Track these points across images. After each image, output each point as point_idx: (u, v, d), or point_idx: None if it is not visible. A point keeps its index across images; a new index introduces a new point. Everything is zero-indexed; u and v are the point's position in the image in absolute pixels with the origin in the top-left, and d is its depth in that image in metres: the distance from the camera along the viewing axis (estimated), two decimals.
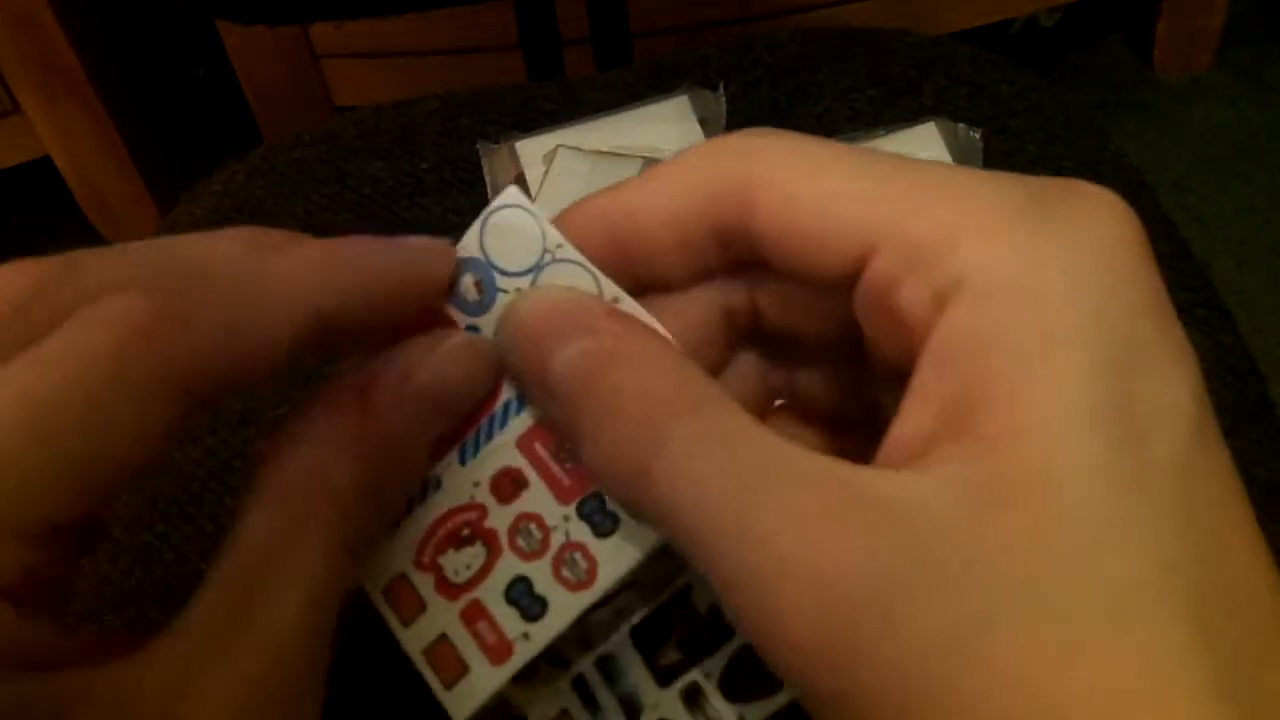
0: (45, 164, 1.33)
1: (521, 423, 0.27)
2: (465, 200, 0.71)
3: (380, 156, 0.74)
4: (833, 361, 0.27)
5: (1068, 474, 0.20)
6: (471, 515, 0.27)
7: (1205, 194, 1.41)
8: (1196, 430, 0.21)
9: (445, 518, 0.27)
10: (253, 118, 1.33)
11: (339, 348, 0.27)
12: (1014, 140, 0.71)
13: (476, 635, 0.26)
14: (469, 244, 0.29)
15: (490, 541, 0.26)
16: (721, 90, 0.73)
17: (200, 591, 0.24)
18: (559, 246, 0.27)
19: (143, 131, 1.40)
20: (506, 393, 0.27)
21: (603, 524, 0.25)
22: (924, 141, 0.66)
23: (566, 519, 0.26)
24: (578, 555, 0.26)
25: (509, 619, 0.26)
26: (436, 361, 0.26)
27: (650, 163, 0.65)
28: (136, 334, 0.21)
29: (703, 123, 0.70)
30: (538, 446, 0.26)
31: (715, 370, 0.28)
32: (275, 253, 0.24)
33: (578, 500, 0.26)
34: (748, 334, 0.28)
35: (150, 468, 0.22)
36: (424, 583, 0.27)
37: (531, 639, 0.26)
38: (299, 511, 0.24)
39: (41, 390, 0.20)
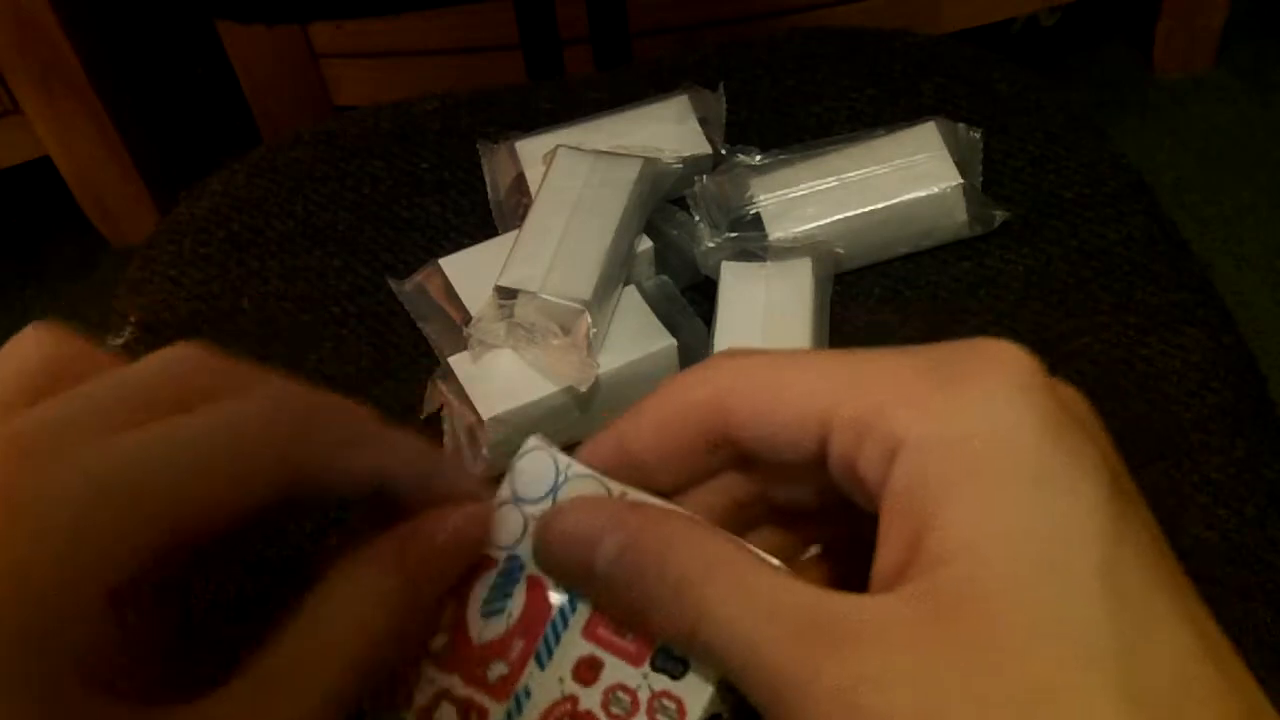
0: (45, 164, 1.33)
1: (580, 617, 0.31)
2: (465, 200, 0.71)
3: (380, 156, 0.74)
4: (827, 510, 0.31)
5: (994, 588, 0.24)
6: (567, 706, 0.31)
7: (1205, 194, 1.40)
8: (1112, 527, 0.25)
9: (545, 715, 0.31)
10: (252, 118, 1.33)
11: None
12: (1014, 140, 0.71)
13: None
14: (502, 493, 0.33)
15: None
16: (721, 90, 0.73)
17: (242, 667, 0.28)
18: (569, 466, 0.32)
19: (142, 131, 1.40)
20: (558, 597, 0.31)
21: (675, 669, 0.30)
22: (924, 141, 0.66)
23: (645, 676, 0.30)
24: (665, 700, 0.30)
25: None
26: (457, 522, 0.32)
27: (650, 162, 0.65)
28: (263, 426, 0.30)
29: (703, 122, 0.70)
30: (601, 630, 0.31)
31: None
32: None
33: (648, 659, 0.30)
34: (762, 514, 0.33)
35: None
36: None
37: None
38: (331, 639, 0.29)
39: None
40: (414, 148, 0.74)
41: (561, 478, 0.32)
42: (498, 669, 0.31)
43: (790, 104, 0.74)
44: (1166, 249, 0.66)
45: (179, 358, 0.30)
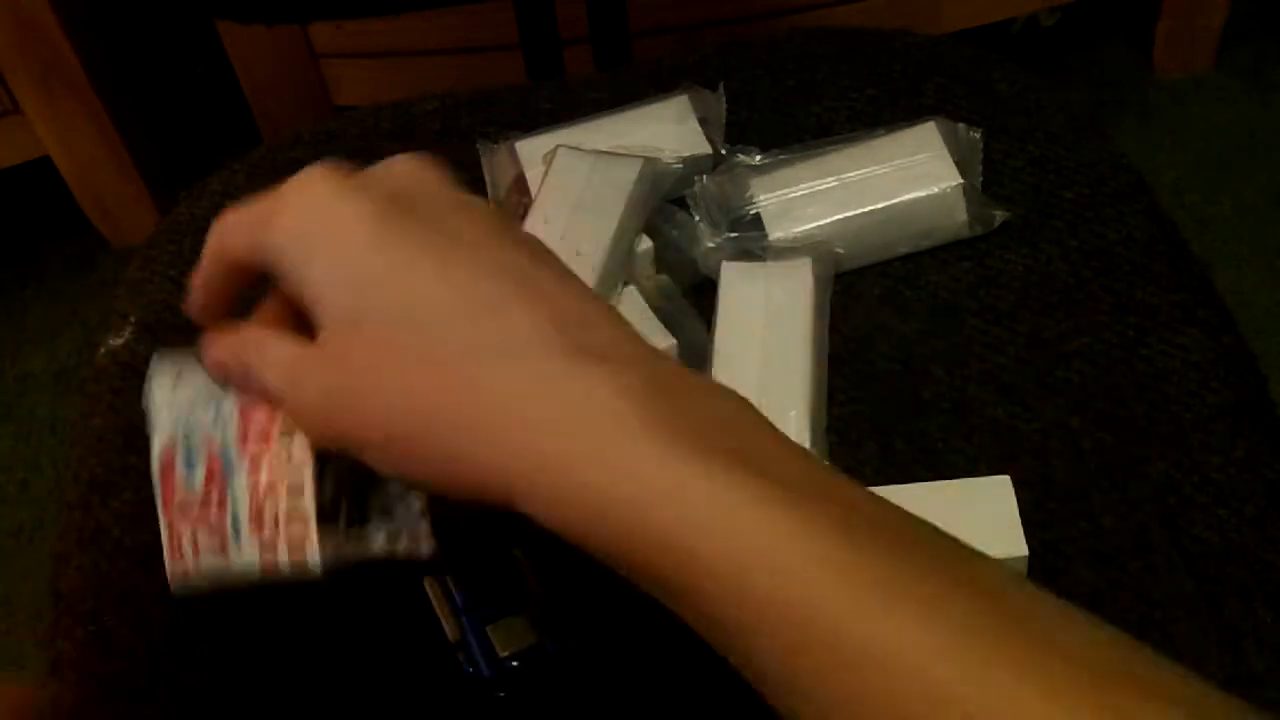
0: (45, 164, 1.33)
1: (232, 431, 0.42)
2: None
3: (380, 156, 0.74)
4: None
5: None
6: (258, 481, 0.43)
7: (1205, 194, 1.40)
8: (371, 223, 0.38)
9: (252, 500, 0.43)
10: (252, 118, 1.33)
11: None
12: (1014, 140, 0.71)
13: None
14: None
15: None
16: (721, 90, 0.73)
17: None
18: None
19: (142, 131, 1.40)
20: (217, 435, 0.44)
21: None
22: (924, 141, 0.66)
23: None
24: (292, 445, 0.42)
25: None
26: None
27: (650, 162, 0.65)
28: None
29: (703, 122, 0.70)
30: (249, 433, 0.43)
31: None
32: None
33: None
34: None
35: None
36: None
37: None
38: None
39: None
40: (414, 148, 0.74)
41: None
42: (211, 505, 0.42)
43: (790, 104, 0.74)
44: (1166, 249, 0.66)
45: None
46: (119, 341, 0.67)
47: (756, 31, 0.80)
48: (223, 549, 0.43)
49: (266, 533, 0.42)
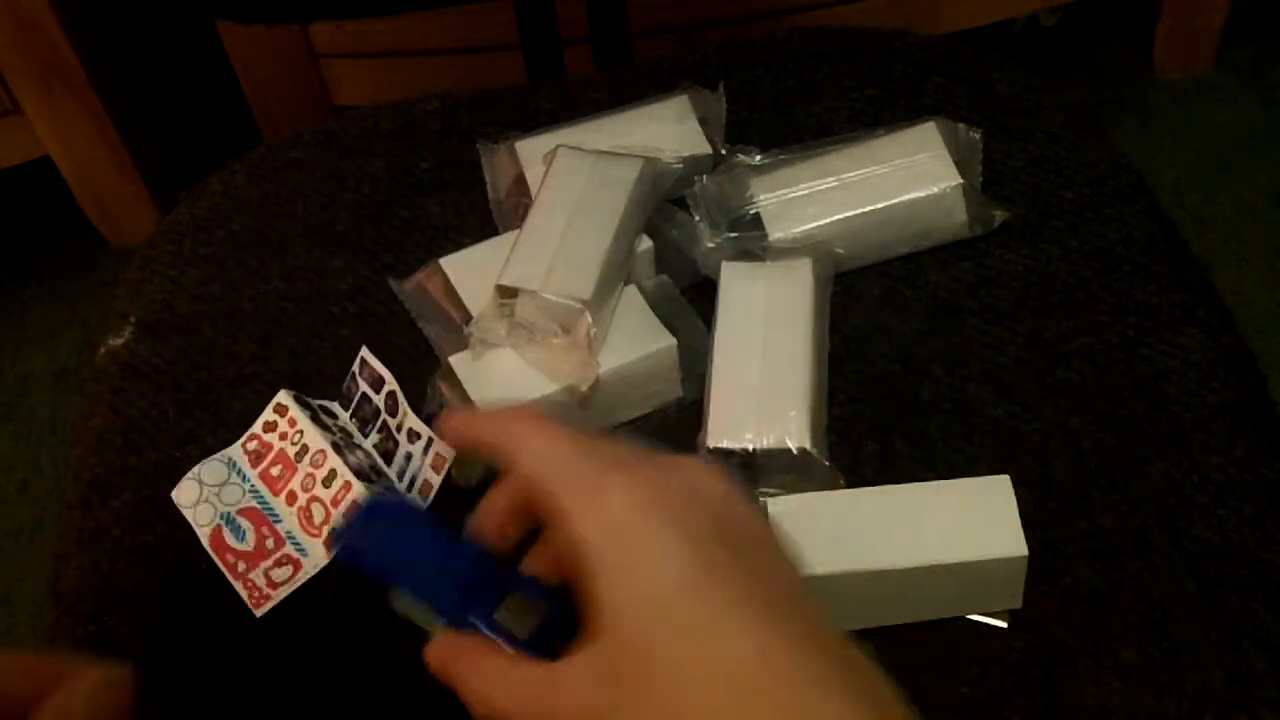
0: (45, 164, 1.33)
1: None
2: (465, 200, 0.71)
3: (380, 156, 0.74)
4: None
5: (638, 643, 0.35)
6: None
7: (1205, 194, 1.40)
8: (691, 570, 0.35)
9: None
10: (253, 118, 1.33)
11: None
12: (1014, 140, 0.71)
13: None
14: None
15: None
16: (721, 90, 0.72)
17: None
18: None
19: (142, 131, 1.40)
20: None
21: None
22: (924, 141, 0.66)
23: None
24: None
25: None
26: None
27: (650, 162, 0.65)
28: None
29: (703, 122, 0.70)
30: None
31: None
32: None
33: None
34: None
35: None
36: None
37: None
38: None
39: None
40: (414, 148, 0.74)
41: None
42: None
43: (790, 104, 0.74)
44: (1166, 249, 0.66)
45: None
46: (119, 341, 0.67)
47: (756, 31, 0.80)
48: (295, 569, 0.54)
49: (320, 530, 0.53)
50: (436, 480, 0.58)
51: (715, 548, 0.35)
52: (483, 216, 0.70)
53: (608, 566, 0.35)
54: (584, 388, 0.58)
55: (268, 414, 0.60)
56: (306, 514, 0.56)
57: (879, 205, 0.65)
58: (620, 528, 0.36)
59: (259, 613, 0.55)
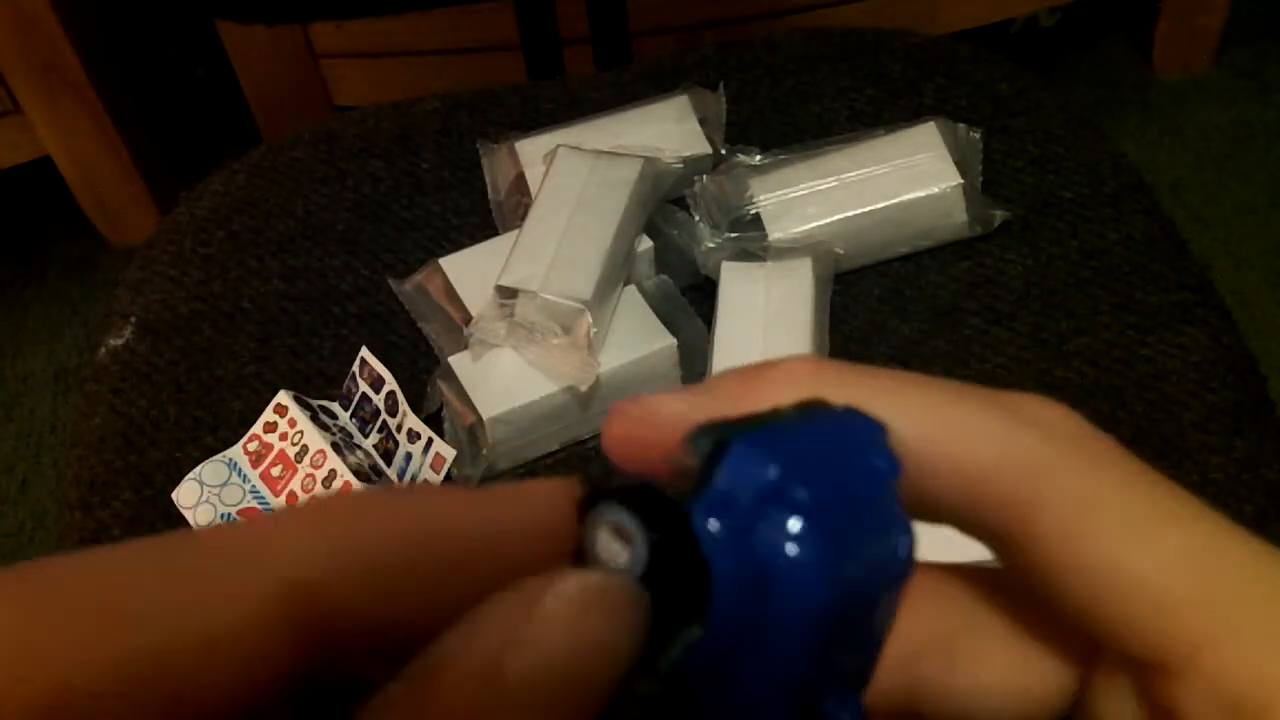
0: (45, 164, 1.33)
1: None
2: (465, 200, 0.71)
3: (380, 156, 0.74)
4: None
5: None
6: None
7: (1205, 194, 1.40)
8: None
9: None
10: (252, 118, 1.33)
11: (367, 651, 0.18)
12: (1014, 140, 0.71)
13: None
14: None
15: None
16: (721, 90, 0.73)
17: None
18: None
19: (143, 131, 1.40)
20: None
21: None
22: (924, 141, 0.66)
23: None
24: None
25: None
26: (542, 628, 0.17)
27: (650, 162, 0.65)
28: None
29: (703, 122, 0.70)
30: None
31: None
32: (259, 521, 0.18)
33: None
34: None
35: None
36: None
37: None
38: None
39: None
40: (414, 148, 0.74)
41: None
42: None
43: (790, 104, 0.74)
44: (1166, 249, 0.66)
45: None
46: (119, 341, 0.67)
47: (756, 31, 0.80)
48: None
49: None
50: (436, 480, 0.58)
51: None
52: (483, 216, 0.70)
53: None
54: (584, 388, 0.58)
55: (268, 414, 0.60)
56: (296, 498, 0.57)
57: (879, 205, 0.65)
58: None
59: None
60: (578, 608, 0.17)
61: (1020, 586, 0.21)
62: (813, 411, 0.20)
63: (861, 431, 0.20)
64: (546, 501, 0.19)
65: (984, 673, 0.21)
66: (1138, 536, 0.20)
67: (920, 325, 0.63)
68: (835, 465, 0.19)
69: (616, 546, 0.19)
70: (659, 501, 0.18)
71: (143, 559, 0.16)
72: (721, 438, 0.19)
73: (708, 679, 0.18)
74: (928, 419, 0.20)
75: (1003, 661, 0.22)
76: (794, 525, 0.18)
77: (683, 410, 0.20)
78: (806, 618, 0.18)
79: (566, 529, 0.19)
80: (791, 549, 0.18)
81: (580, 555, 0.19)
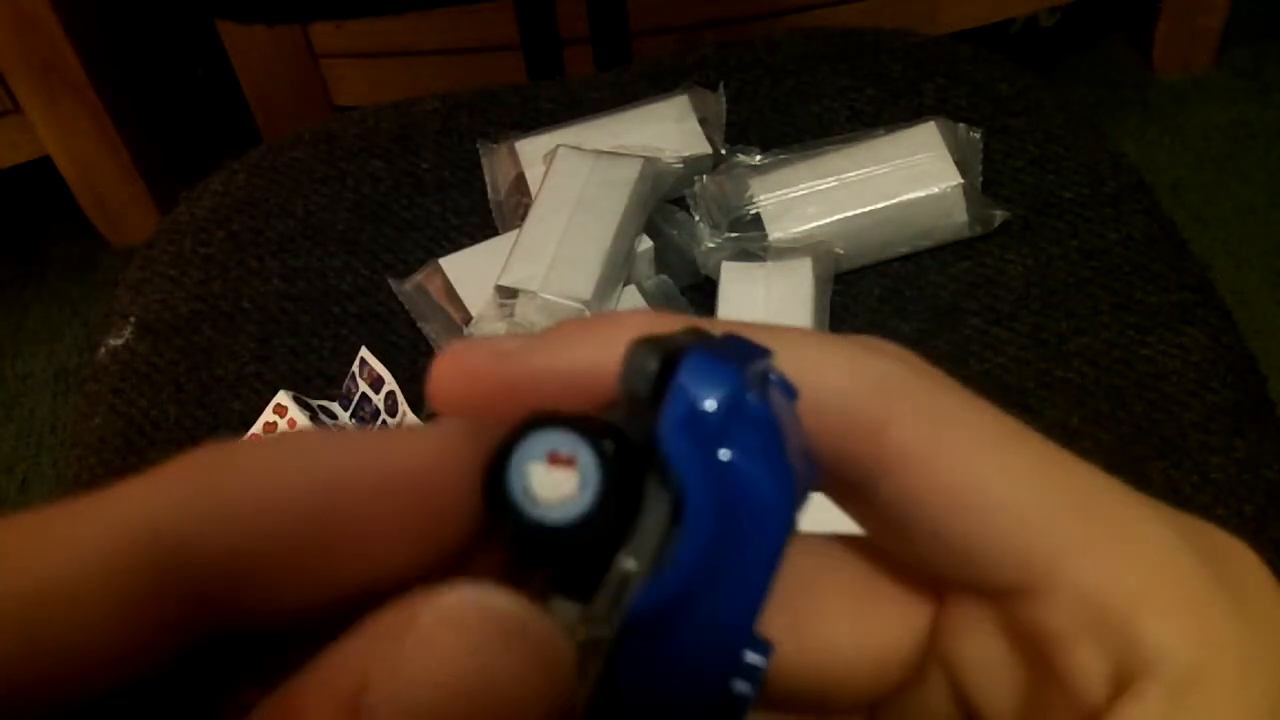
0: (45, 164, 1.33)
1: None
2: (465, 200, 0.71)
3: (380, 156, 0.74)
4: None
5: None
6: None
7: (1205, 194, 1.40)
8: None
9: None
10: (252, 118, 1.33)
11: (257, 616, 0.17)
12: (1014, 140, 0.71)
13: None
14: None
15: None
16: (721, 90, 0.73)
17: None
18: None
19: (143, 131, 1.40)
20: None
21: None
22: (924, 141, 0.66)
23: None
24: None
25: None
26: (415, 654, 0.14)
27: (650, 162, 0.65)
28: None
29: (703, 122, 0.70)
30: None
31: None
32: None
33: None
34: None
35: None
36: None
37: None
38: None
39: None
40: (414, 148, 0.74)
41: None
42: None
43: (790, 104, 0.74)
44: (1166, 249, 0.66)
45: None
46: (119, 341, 0.67)
47: (756, 31, 0.80)
48: None
49: None
50: None
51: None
52: (483, 216, 0.70)
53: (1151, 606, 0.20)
54: None
55: (268, 414, 0.60)
56: None
57: (879, 205, 0.65)
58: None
59: None
60: (459, 629, 0.14)
61: (858, 545, 0.21)
62: (706, 337, 0.17)
63: (759, 353, 0.18)
64: (463, 445, 0.17)
65: (828, 629, 0.21)
66: (990, 453, 0.20)
67: (920, 325, 0.63)
68: (759, 383, 0.17)
69: (559, 475, 0.16)
70: (599, 426, 0.16)
71: None
72: (672, 347, 0.16)
73: (657, 630, 0.16)
74: (787, 355, 0.19)
75: (847, 614, 0.21)
76: (767, 442, 0.16)
77: (521, 345, 0.18)
78: (777, 546, 0.16)
79: (482, 479, 0.16)
80: (765, 468, 0.16)
81: (499, 503, 0.16)
